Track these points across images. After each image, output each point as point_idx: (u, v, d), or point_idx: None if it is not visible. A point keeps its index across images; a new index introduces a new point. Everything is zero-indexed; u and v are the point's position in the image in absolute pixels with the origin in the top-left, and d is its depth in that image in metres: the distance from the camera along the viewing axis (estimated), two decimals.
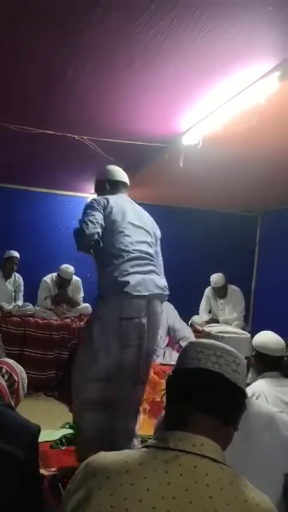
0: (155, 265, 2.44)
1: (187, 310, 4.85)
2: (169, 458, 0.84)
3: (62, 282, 4.89)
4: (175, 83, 2.26)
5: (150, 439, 1.01)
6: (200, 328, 4.22)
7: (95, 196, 2.62)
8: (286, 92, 2.10)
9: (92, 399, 2.24)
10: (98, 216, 2.31)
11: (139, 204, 2.63)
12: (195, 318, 5.00)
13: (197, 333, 4.22)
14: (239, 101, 2.29)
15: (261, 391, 2.10)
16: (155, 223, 2.64)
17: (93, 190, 2.94)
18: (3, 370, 1.56)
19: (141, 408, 2.54)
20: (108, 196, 2.47)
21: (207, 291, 5.21)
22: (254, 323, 5.62)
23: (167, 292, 2.45)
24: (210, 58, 1.97)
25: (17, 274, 5.08)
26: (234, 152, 3.25)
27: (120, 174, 2.66)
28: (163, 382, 3.10)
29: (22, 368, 1.65)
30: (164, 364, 3.63)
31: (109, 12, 1.70)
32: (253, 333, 2.33)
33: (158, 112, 2.70)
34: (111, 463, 0.85)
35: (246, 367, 1.07)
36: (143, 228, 2.48)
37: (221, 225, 5.83)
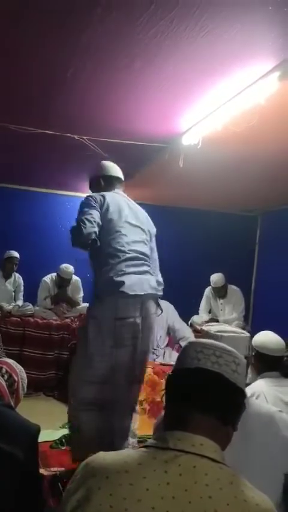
0: (149, 266, 2.44)
1: (187, 310, 4.85)
2: (168, 458, 0.84)
3: (62, 282, 4.89)
4: (175, 83, 2.26)
5: (149, 439, 1.01)
6: (200, 328, 4.23)
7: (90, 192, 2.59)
8: (286, 92, 2.10)
9: (89, 400, 2.24)
10: (96, 215, 2.29)
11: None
12: (195, 318, 5.01)
13: (197, 333, 4.22)
14: (239, 101, 2.29)
15: (260, 391, 2.10)
16: (150, 220, 2.62)
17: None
18: (3, 370, 1.56)
19: (141, 408, 2.54)
20: (105, 193, 2.44)
21: (207, 291, 5.21)
22: (254, 323, 5.63)
23: (160, 293, 2.46)
24: (210, 58, 1.97)
25: (17, 274, 5.08)
26: (234, 152, 3.25)
27: (114, 169, 2.64)
28: (163, 382, 3.10)
29: (22, 368, 1.65)
30: (164, 364, 3.63)
31: (109, 12, 1.70)
32: (253, 333, 2.33)
33: (158, 112, 2.70)
34: (111, 463, 0.85)
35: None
36: (139, 226, 2.46)
37: (221, 225, 5.83)
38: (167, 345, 4.29)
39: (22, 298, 5.02)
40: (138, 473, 0.82)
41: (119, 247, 2.31)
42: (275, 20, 1.65)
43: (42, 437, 1.43)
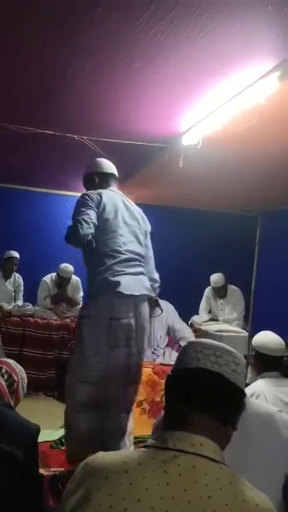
0: (143, 266, 2.44)
1: (187, 310, 4.85)
2: (168, 458, 0.84)
3: (62, 281, 4.90)
4: (175, 83, 2.26)
5: (149, 439, 1.01)
6: (197, 327, 4.23)
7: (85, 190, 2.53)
8: (286, 92, 2.10)
9: (84, 401, 2.25)
10: (93, 215, 2.26)
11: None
12: (195, 318, 5.00)
13: (197, 332, 4.22)
14: (239, 101, 2.29)
15: (260, 391, 2.10)
16: (145, 217, 2.59)
17: None
18: (3, 370, 1.56)
19: (141, 408, 2.54)
20: (101, 191, 2.40)
21: (207, 291, 5.21)
22: (254, 323, 5.63)
23: (153, 294, 2.47)
24: (210, 58, 1.97)
25: (17, 274, 5.09)
26: (234, 152, 3.25)
27: (109, 166, 2.60)
28: (163, 382, 3.10)
29: (22, 368, 1.65)
30: (164, 364, 3.62)
31: (109, 12, 1.70)
32: (253, 333, 2.33)
33: (158, 112, 2.70)
34: (110, 463, 0.85)
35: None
36: (134, 225, 2.45)
37: (221, 225, 5.83)
38: (167, 345, 4.28)
39: (22, 298, 5.03)
40: (138, 473, 0.82)
41: (115, 248, 2.30)
42: (275, 20, 1.65)
43: (42, 437, 1.43)
